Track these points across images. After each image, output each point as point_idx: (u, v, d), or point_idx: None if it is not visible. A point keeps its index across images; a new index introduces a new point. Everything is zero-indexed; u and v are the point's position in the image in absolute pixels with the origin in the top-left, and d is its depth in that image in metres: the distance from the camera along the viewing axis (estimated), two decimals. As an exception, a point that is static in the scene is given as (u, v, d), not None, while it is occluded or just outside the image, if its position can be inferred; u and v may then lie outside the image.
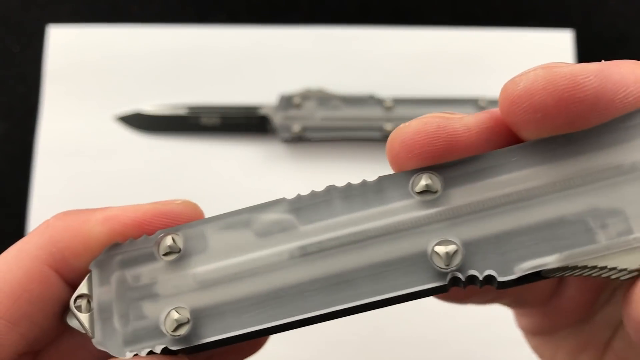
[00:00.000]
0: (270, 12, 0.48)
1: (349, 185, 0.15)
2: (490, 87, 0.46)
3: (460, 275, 0.14)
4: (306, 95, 0.45)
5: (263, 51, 0.47)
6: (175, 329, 0.14)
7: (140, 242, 0.16)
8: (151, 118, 0.46)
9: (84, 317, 0.15)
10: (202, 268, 0.15)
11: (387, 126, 0.44)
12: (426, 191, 0.14)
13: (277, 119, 0.45)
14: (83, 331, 0.15)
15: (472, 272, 0.14)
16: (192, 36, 0.48)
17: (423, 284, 0.14)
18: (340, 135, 0.44)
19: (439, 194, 0.14)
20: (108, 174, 0.46)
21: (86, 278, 0.16)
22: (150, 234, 0.16)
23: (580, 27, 0.47)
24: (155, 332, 0.15)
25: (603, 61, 0.14)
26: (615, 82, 0.13)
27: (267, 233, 0.15)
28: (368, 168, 0.46)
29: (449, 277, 0.14)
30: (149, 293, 0.15)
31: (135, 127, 0.46)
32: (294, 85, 0.46)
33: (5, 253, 0.15)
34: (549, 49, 0.47)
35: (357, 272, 0.14)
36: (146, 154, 0.46)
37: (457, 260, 0.14)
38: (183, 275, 0.15)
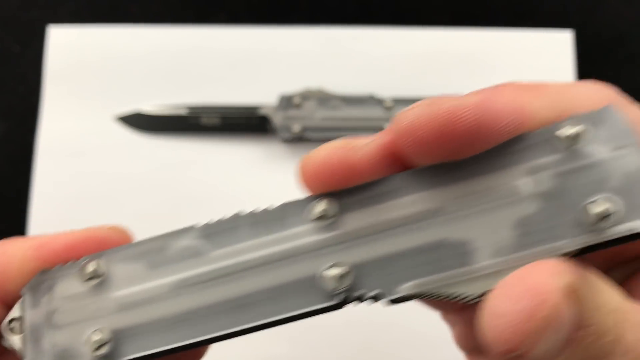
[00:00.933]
0: (270, 12, 0.48)
1: (254, 211, 0.16)
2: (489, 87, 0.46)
3: (350, 295, 0.15)
4: (306, 96, 0.45)
5: (263, 51, 0.47)
6: (97, 349, 0.16)
7: (67, 267, 0.17)
8: (151, 118, 0.46)
9: (16, 338, 0.17)
10: (122, 292, 0.16)
11: (387, 126, 0.44)
12: (322, 217, 0.16)
13: (277, 119, 0.45)
14: (17, 351, 0.17)
15: (361, 292, 0.15)
16: (192, 36, 0.48)
17: (315, 304, 0.15)
18: (340, 135, 0.44)
19: (335, 219, 0.16)
20: (108, 173, 0.46)
21: (19, 301, 0.17)
22: (79, 258, 0.17)
23: (580, 28, 0.47)
24: (79, 352, 0.16)
25: (486, 90, 0.15)
26: (495, 113, 0.14)
27: (180, 258, 0.16)
28: (368, 168, 0.46)
29: (339, 297, 0.15)
30: (74, 315, 0.16)
31: (136, 127, 0.46)
32: (294, 85, 0.46)
33: None
34: (548, 49, 0.47)
35: (258, 295, 0.15)
36: (146, 154, 0.46)
37: (346, 282, 0.15)
38: (105, 299, 0.16)
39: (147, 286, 0.16)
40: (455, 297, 0.15)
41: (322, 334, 0.42)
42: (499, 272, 0.14)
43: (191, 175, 0.46)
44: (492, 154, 0.15)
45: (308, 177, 0.16)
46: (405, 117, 0.15)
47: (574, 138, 0.14)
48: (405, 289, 0.15)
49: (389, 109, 0.44)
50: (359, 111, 0.45)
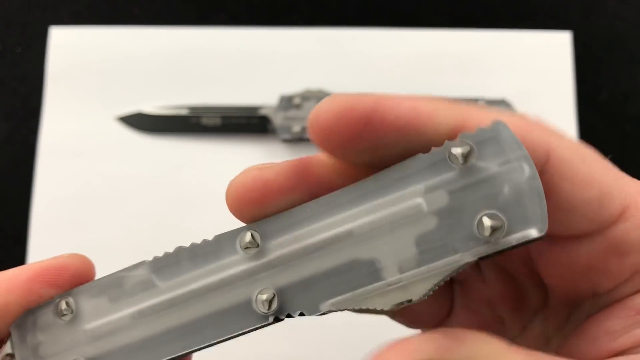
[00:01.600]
0: (270, 13, 0.49)
1: (193, 245, 0.18)
2: (489, 88, 0.46)
3: (279, 316, 0.17)
4: (306, 96, 0.45)
5: (263, 52, 0.48)
6: None
7: (44, 306, 0.19)
8: (152, 118, 0.46)
9: None
10: (91, 324, 0.19)
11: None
12: (249, 247, 0.17)
13: (277, 119, 0.45)
14: None
15: (287, 312, 0.17)
16: (192, 37, 0.48)
17: (251, 325, 0.17)
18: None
19: (260, 247, 0.17)
20: (109, 173, 0.46)
21: (9, 339, 0.19)
22: (44, 287, 0.19)
23: (579, 29, 0.48)
24: None
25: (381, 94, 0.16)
26: (389, 106, 0.16)
27: (136, 291, 0.18)
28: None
29: (270, 318, 0.17)
30: (54, 348, 0.19)
31: (137, 127, 0.47)
32: (294, 85, 0.46)
33: None
34: (547, 50, 0.47)
35: (203, 320, 0.17)
36: (147, 154, 0.46)
37: (274, 306, 0.17)
38: (77, 331, 0.19)
39: (111, 318, 0.18)
40: (370, 310, 0.16)
41: (322, 334, 0.42)
42: (405, 286, 0.16)
43: (192, 175, 0.46)
44: (392, 174, 0.16)
45: (231, 202, 0.18)
46: (315, 110, 0.16)
47: (466, 155, 0.15)
48: (325, 306, 0.16)
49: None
50: (358, 112, 0.45)
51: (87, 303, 0.19)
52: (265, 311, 0.17)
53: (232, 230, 0.18)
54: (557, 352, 0.18)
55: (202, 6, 0.49)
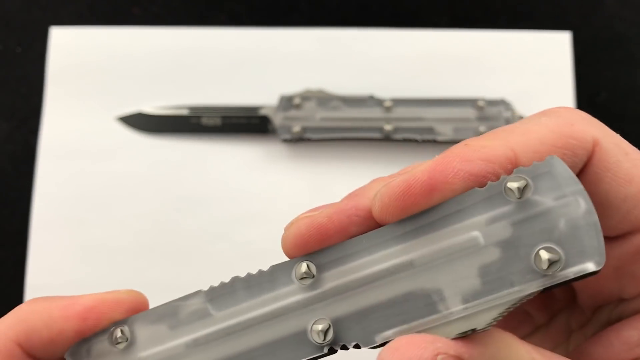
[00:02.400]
0: (270, 13, 0.49)
1: (249, 275, 0.18)
2: (488, 88, 0.46)
3: (334, 347, 0.17)
4: (306, 96, 0.45)
5: (263, 52, 0.48)
6: None
7: (99, 335, 0.20)
8: (152, 118, 0.46)
9: None
10: (145, 352, 0.19)
11: (387, 126, 0.44)
12: (305, 277, 0.18)
13: (277, 119, 0.45)
14: None
15: (342, 343, 0.17)
16: (193, 37, 0.48)
17: (306, 356, 0.17)
18: (340, 135, 0.45)
19: (315, 278, 0.18)
20: (110, 174, 0.46)
21: None
22: (100, 318, 0.20)
23: (578, 29, 0.48)
24: None
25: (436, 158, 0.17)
26: (444, 177, 0.16)
27: (191, 320, 0.19)
28: (367, 168, 0.46)
29: (325, 349, 0.17)
30: None
31: (137, 127, 0.47)
32: (294, 86, 0.46)
33: None
34: (547, 50, 0.47)
35: (257, 350, 0.18)
36: (147, 154, 0.46)
37: (330, 336, 0.17)
38: (132, 359, 0.19)
39: (166, 346, 0.19)
40: None
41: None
42: (468, 317, 0.16)
43: (192, 175, 0.46)
44: (449, 207, 0.16)
45: (287, 247, 0.18)
46: (378, 197, 0.17)
47: (522, 190, 0.16)
48: (381, 338, 0.17)
49: (388, 109, 0.45)
50: (358, 111, 0.45)
51: (142, 331, 0.19)
52: (321, 342, 0.17)
53: (288, 261, 0.18)
54: (574, 353, 0.18)
55: (203, 6, 0.49)
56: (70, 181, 0.46)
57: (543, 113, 0.19)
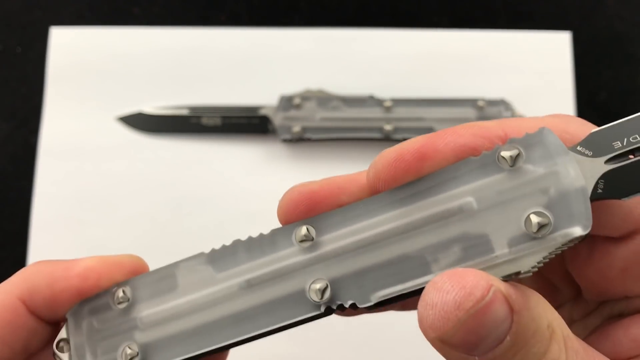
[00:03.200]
0: (270, 14, 0.49)
1: (250, 238, 0.19)
2: (489, 88, 0.46)
3: (331, 305, 0.18)
4: (306, 96, 0.45)
5: (263, 52, 0.48)
6: None
7: (101, 295, 0.20)
8: (152, 118, 0.47)
9: (65, 356, 0.20)
10: (145, 312, 0.19)
11: (387, 126, 0.44)
12: (304, 240, 0.18)
13: (277, 119, 0.45)
14: None
15: (339, 302, 0.18)
16: (193, 38, 0.48)
17: (304, 314, 0.18)
18: (340, 135, 0.45)
19: (314, 241, 0.18)
20: (110, 173, 0.46)
21: (64, 325, 0.20)
22: (102, 278, 0.20)
23: (578, 29, 0.48)
24: None
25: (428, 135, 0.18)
26: (435, 149, 0.18)
27: (192, 281, 0.19)
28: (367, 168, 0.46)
29: (322, 307, 0.18)
30: (109, 334, 0.20)
31: (137, 127, 0.47)
32: (294, 86, 0.46)
33: None
34: (547, 50, 0.47)
35: (257, 308, 0.18)
36: (148, 154, 0.46)
37: (327, 295, 0.17)
38: (133, 319, 0.19)
39: (166, 306, 0.19)
40: (405, 295, 0.17)
41: (322, 333, 0.42)
42: (513, 260, 0.16)
43: (192, 175, 0.46)
44: (445, 175, 0.17)
45: (281, 214, 0.19)
46: (371, 167, 0.18)
47: (515, 158, 0.17)
48: (376, 297, 0.17)
49: (388, 109, 0.45)
50: (358, 111, 0.45)
51: (143, 292, 0.19)
52: (318, 300, 0.17)
53: (289, 225, 0.19)
54: None
55: (203, 6, 0.49)
56: (70, 181, 0.46)
57: (546, 116, 0.19)
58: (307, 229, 0.18)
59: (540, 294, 0.21)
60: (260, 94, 0.47)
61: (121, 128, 0.47)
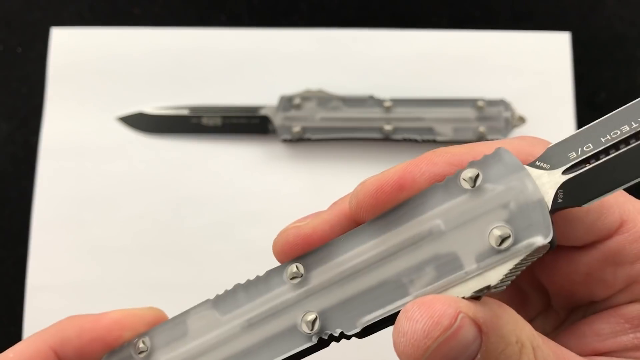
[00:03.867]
0: (270, 14, 0.49)
1: (248, 281, 0.20)
2: (488, 88, 0.47)
3: (321, 336, 0.19)
4: (306, 96, 0.45)
5: (263, 53, 0.48)
6: None
7: (124, 346, 0.22)
8: (153, 118, 0.47)
9: None
10: (163, 358, 0.21)
11: (387, 126, 0.44)
12: (294, 277, 0.19)
13: (277, 119, 0.45)
14: None
15: (328, 332, 0.19)
16: (193, 38, 0.48)
17: (299, 346, 0.19)
18: (340, 135, 0.45)
19: (303, 277, 0.19)
20: (110, 173, 0.46)
21: None
22: (125, 329, 0.22)
23: (577, 29, 0.48)
24: None
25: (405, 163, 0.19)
26: (412, 180, 0.19)
27: (200, 326, 0.20)
28: (367, 168, 0.46)
29: (314, 338, 0.19)
30: None
31: (137, 127, 0.47)
32: (294, 86, 0.46)
33: (29, 336, 0.22)
34: (546, 50, 0.47)
35: (256, 346, 0.19)
36: (148, 154, 0.46)
37: (317, 326, 0.19)
38: None
39: (179, 352, 0.21)
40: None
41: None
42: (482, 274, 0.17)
43: (192, 175, 0.46)
44: (415, 202, 0.18)
45: (277, 254, 0.20)
46: (353, 197, 0.19)
47: (474, 179, 0.18)
48: (361, 323, 0.18)
49: (388, 109, 0.45)
50: (358, 112, 0.45)
51: (159, 340, 0.21)
52: (309, 331, 0.19)
53: (280, 265, 0.20)
54: None
55: (203, 7, 0.49)
56: (70, 181, 0.46)
57: (513, 138, 0.21)
58: (297, 266, 0.19)
59: (512, 303, 0.22)
60: (260, 94, 0.47)
61: (121, 128, 0.47)
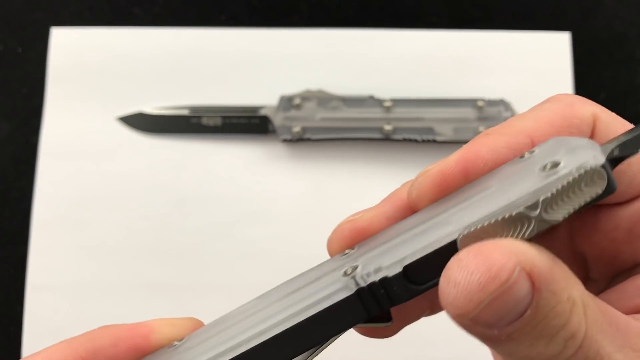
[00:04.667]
0: (270, 14, 0.49)
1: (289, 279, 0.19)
2: (488, 88, 0.47)
3: (362, 284, 0.17)
4: (306, 96, 0.45)
5: (264, 53, 0.48)
6: None
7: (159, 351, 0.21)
8: (153, 118, 0.47)
9: None
10: (199, 344, 0.19)
11: (387, 126, 0.44)
12: (344, 255, 0.19)
13: (277, 119, 0.45)
14: None
15: (370, 279, 0.17)
16: (193, 38, 0.48)
17: (339, 298, 0.17)
18: (340, 135, 0.45)
19: (353, 250, 0.19)
20: (110, 174, 0.46)
21: None
22: (163, 338, 0.21)
23: (578, 29, 0.48)
24: None
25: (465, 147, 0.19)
26: (474, 164, 0.19)
27: (237, 316, 0.19)
28: (367, 168, 0.46)
29: (353, 286, 0.17)
30: None
31: (137, 127, 0.47)
32: (294, 86, 0.46)
33: (56, 344, 0.21)
34: (546, 50, 0.47)
35: (303, 325, 0.17)
36: (148, 154, 0.46)
37: (358, 272, 0.17)
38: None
39: (218, 338, 0.19)
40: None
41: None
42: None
43: (192, 175, 0.46)
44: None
45: (333, 251, 0.20)
46: (414, 188, 0.19)
47: (552, 167, 0.16)
48: (402, 263, 0.16)
49: (388, 109, 0.45)
50: (358, 112, 0.45)
51: (197, 337, 0.20)
52: (349, 280, 0.17)
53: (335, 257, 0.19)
54: None
55: (203, 7, 0.49)
56: (70, 181, 0.46)
57: (546, 101, 0.21)
58: (348, 250, 0.19)
59: None
60: (260, 94, 0.47)
61: (121, 128, 0.47)
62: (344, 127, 0.45)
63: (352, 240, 0.20)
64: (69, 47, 0.48)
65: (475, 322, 0.15)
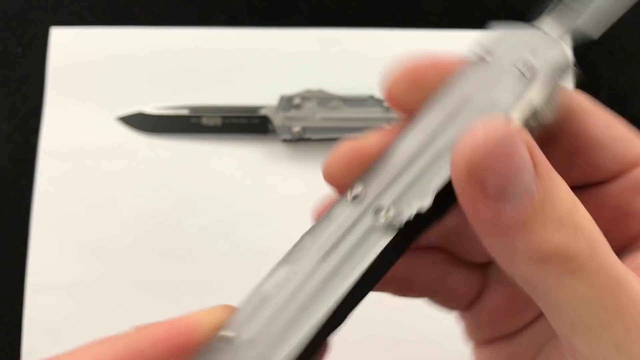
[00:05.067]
0: (270, 14, 0.49)
1: (312, 226, 0.20)
2: (488, 88, 0.47)
3: (399, 224, 0.18)
4: (306, 96, 0.45)
5: (263, 52, 0.48)
6: None
7: (208, 345, 0.20)
8: (153, 118, 0.47)
9: None
10: (250, 331, 0.19)
11: (387, 126, 0.44)
12: (356, 196, 0.19)
13: (277, 119, 0.45)
14: None
15: (404, 217, 0.18)
16: (193, 38, 0.48)
17: (378, 245, 0.18)
18: (340, 135, 0.45)
19: (364, 192, 0.19)
20: (110, 174, 0.46)
21: None
22: (204, 336, 0.20)
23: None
24: None
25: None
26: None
27: (276, 287, 0.19)
28: (367, 168, 0.46)
29: (390, 229, 0.18)
30: None
31: (137, 127, 0.47)
32: (294, 86, 0.46)
33: (88, 348, 0.20)
34: (546, 50, 0.47)
35: (337, 267, 0.18)
36: (148, 155, 0.46)
37: (391, 213, 0.18)
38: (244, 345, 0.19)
39: (265, 316, 0.19)
40: None
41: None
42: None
43: (192, 176, 0.46)
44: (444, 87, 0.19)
45: (332, 175, 0.21)
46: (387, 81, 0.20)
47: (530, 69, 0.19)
48: (431, 191, 0.18)
49: (388, 109, 0.45)
50: (358, 112, 0.45)
51: (241, 319, 0.20)
52: (384, 223, 0.18)
53: (339, 197, 0.20)
54: None
55: (203, 7, 0.49)
56: (70, 181, 0.46)
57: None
58: (355, 187, 0.19)
59: None
60: (260, 94, 0.47)
61: (121, 128, 0.47)
62: (344, 127, 0.45)
63: (352, 160, 0.20)
64: (69, 47, 0.48)
65: (483, 180, 0.15)
